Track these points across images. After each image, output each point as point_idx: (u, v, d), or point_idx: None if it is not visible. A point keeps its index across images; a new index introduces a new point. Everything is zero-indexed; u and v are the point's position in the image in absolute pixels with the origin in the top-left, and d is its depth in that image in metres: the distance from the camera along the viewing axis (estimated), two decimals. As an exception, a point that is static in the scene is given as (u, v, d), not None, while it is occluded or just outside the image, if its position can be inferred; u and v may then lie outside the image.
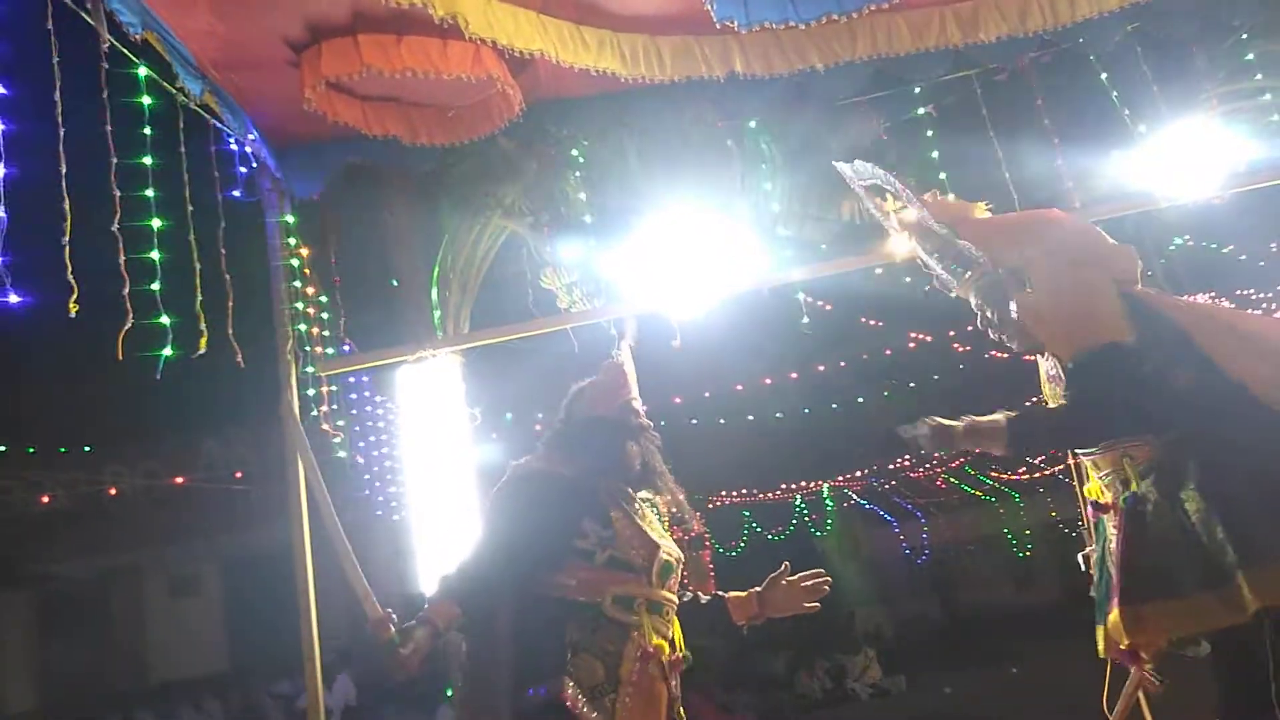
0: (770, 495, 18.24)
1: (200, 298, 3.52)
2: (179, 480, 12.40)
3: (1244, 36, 4.92)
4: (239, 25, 3.56)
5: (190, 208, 3.58)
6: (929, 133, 5.04)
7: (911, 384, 12.13)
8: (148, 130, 3.31)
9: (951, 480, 19.20)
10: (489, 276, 5.65)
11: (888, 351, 10.82)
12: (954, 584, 22.07)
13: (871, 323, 9.74)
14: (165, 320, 3.17)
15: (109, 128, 3.01)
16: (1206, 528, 2.47)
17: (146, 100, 3.32)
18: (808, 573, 3.16)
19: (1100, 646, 2.82)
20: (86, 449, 13.47)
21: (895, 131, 5.03)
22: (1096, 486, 2.89)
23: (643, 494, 3.08)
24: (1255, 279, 9.93)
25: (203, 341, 3.43)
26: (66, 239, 2.69)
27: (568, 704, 2.64)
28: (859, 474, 18.38)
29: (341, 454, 4.78)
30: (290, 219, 4.52)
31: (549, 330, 4.74)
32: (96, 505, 13.44)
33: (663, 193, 4.73)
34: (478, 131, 4.25)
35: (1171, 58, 4.75)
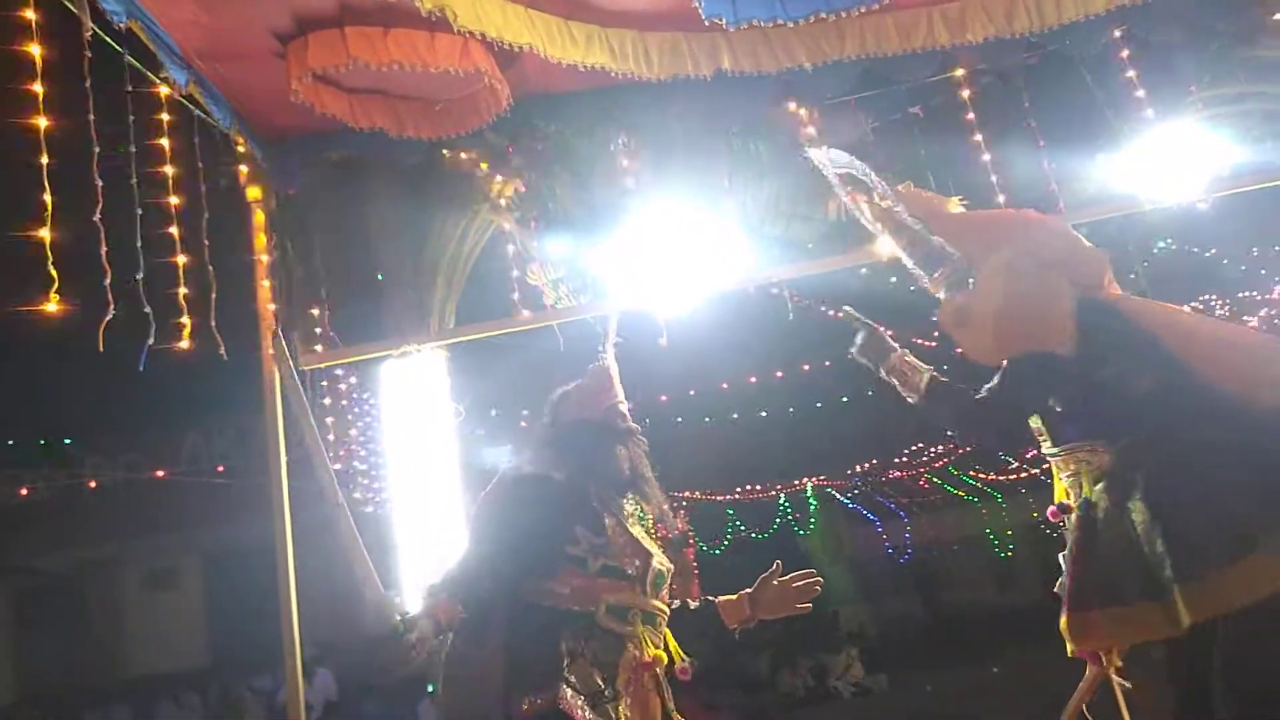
0: (754, 494, 18.27)
1: (183, 290, 3.50)
2: (159, 473, 12.32)
3: (1228, 41, 4.94)
4: (224, 16, 3.54)
5: (174, 199, 3.55)
6: (916, 133, 5.04)
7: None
8: (131, 120, 3.29)
9: (934, 480, 19.28)
10: (475, 271, 5.62)
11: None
12: (936, 583, 22.16)
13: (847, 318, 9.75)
14: (148, 311, 3.15)
15: (91, 117, 2.98)
16: (1149, 539, 2.47)
17: (130, 90, 3.30)
18: (798, 573, 3.13)
19: (1069, 646, 2.84)
20: (66, 441, 13.38)
21: (882, 131, 5.03)
22: (1062, 488, 2.89)
23: (631, 499, 3.05)
24: (1238, 282, 10.00)
25: (185, 333, 3.41)
26: (47, 230, 2.67)
27: (566, 710, 2.60)
28: (843, 473, 18.43)
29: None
30: (275, 211, 4.49)
31: (535, 326, 4.73)
32: (76, 497, 13.35)
33: (650, 190, 4.72)
34: (465, 126, 4.24)
35: (1156, 61, 4.77)
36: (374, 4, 3.32)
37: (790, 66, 4.29)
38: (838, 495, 20.29)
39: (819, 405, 13.14)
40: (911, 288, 3.28)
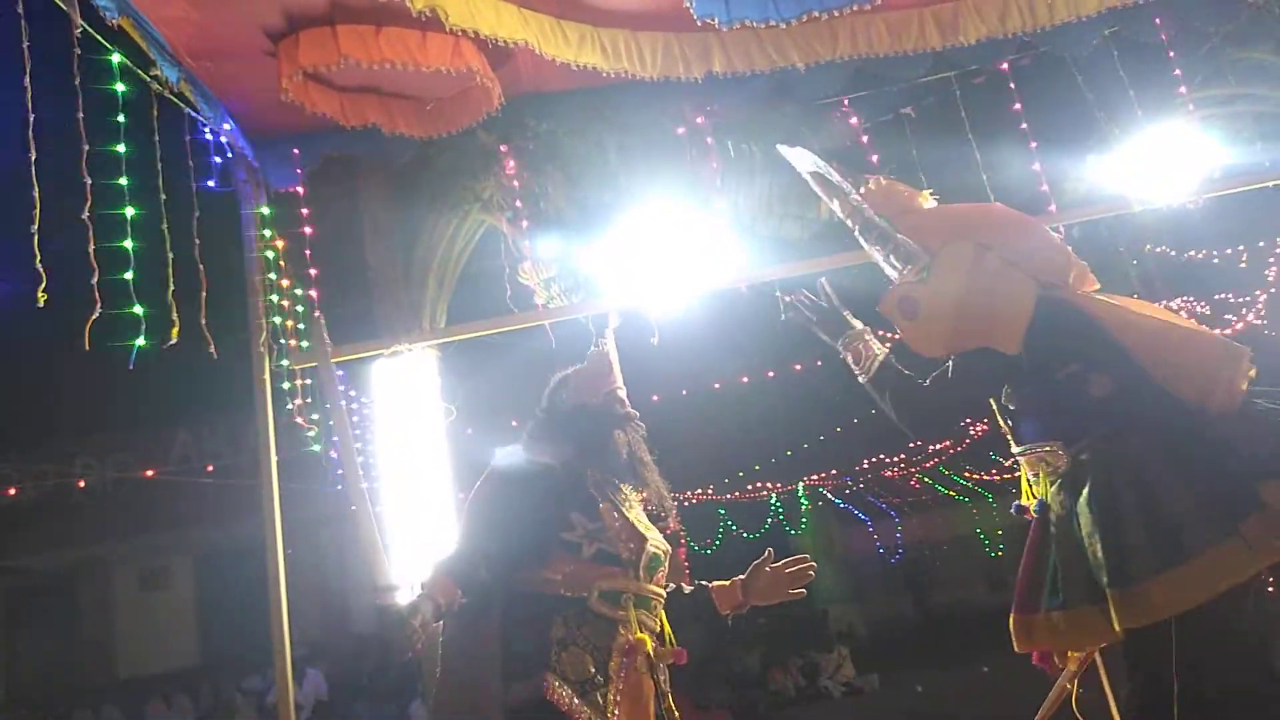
0: (745, 493, 18.28)
1: (173, 288, 3.48)
2: (150, 472, 12.27)
3: (1218, 43, 4.97)
4: (215, 13, 3.53)
5: (164, 197, 3.54)
6: (908, 133, 5.05)
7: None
8: (121, 118, 3.27)
9: (926, 480, 19.32)
10: (466, 271, 5.62)
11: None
12: (927, 583, 22.21)
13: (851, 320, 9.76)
14: (138, 310, 3.13)
15: (81, 115, 2.96)
16: (1091, 543, 2.48)
17: (120, 87, 3.28)
18: (791, 559, 3.13)
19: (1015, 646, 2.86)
20: (56, 440, 13.33)
21: (874, 132, 5.04)
22: (1027, 489, 2.90)
23: (630, 485, 3.04)
24: (1228, 283, 10.03)
25: (174, 332, 3.39)
26: (36, 227, 2.65)
27: (553, 700, 2.60)
28: (834, 472, 18.46)
29: (315, 447, 4.73)
30: (266, 210, 4.48)
31: (526, 326, 4.72)
32: (66, 497, 13.29)
33: (642, 189, 4.72)
34: (456, 124, 4.23)
35: (1148, 62, 4.78)
36: (365, 2, 3.31)
37: (783, 66, 4.29)
38: (829, 495, 20.32)
39: (811, 405, 13.15)
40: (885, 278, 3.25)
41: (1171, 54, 4.74)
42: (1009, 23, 4.32)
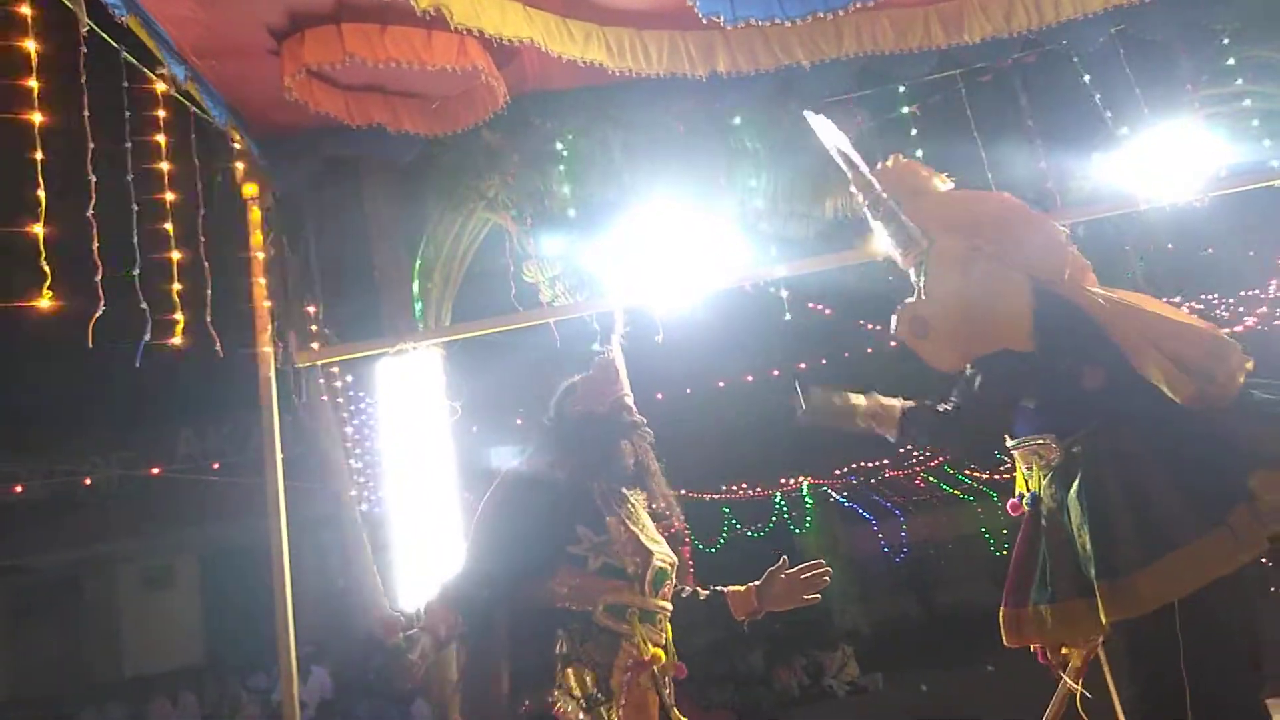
0: (750, 492, 18.26)
1: (178, 286, 3.49)
2: (155, 471, 12.28)
3: (1225, 41, 4.95)
4: (221, 12, 3.53)
5: (169, 195, 3.54)
6: (913, 131, 5.04)
7: (892, 383, 12.18)
8: (127, 116, 3.27)
9: (930, 479, 19.28)
10: (471, 269, 5.62)
11: (869, 350, 10.85)
12: (932, 582, 22.17)
13: (859, 321, 9.78)
14: (144, 308, 3.14)
15: (87, 113, 2.97)
16: (1080, 536, 2.49)
17: (126, 85, 3.28)
18: (805, 565, 3.12)
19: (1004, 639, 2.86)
20: (62, 439, 13.35)
21: (879, 130, 5.03)
22: (1021, 482, 2.90)
23: (637, 494, 3.03)
24: (1233, 282, 10.00)
25: (179, 330, 3.39)
26: (41, 226, 2.65)
27: (558, 716, 2.61)
28: (838, 471, 18.43)
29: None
30: (271, 208, 4.48)
31: (531, 324, 4.72)
32: (72, 496, 13.32)
33: (647, 187, 4.71)
34: (461, 123, 4.23)
35: (1154, 60, 4.77)
36: (371, 1, 3.31)
37: (788, 64, 4.28)
38: (833, 494, 20.29)
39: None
40: (890, 277, 3.23)
41: (1177, 52, 4.73)
42: (1014, 21, 4.31)
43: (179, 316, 3.45)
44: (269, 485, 4.04)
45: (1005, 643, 2.76)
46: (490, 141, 4.73)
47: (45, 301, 2.74)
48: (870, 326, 10.29)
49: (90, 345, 2.88)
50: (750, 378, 11.15)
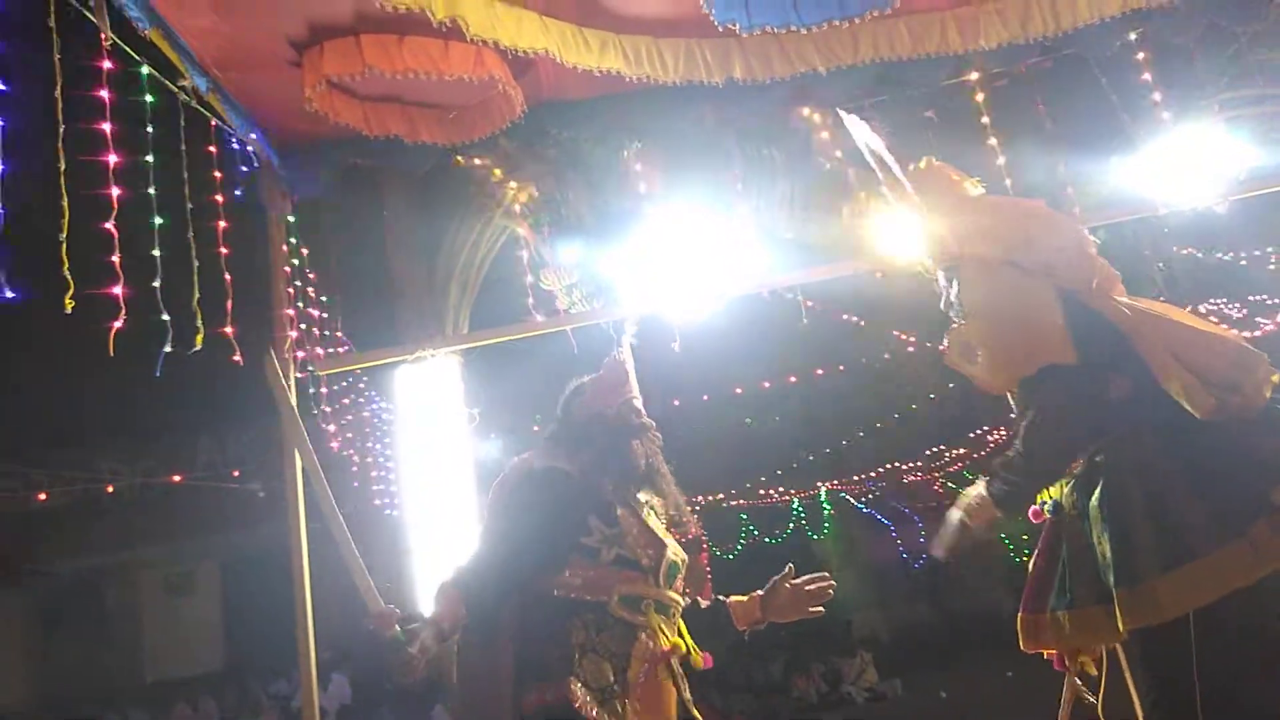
0: (768, 498, 18.22)
1: (198, 295, 3.52)
2: (176, 478, 12.37)
3: (1246, 43, 4.92)
4: (241, 24, 3.56)
5: (190, 205, 3.57)
6: (930, 137, 5.03)
7: (910, 388, 12.15)
8: (149, 128, 3.31)
9: (949, 485, 19.19)
10: (488, 277, 5.65)
11: (886, 356, 10.83)
12: (950, 588, 22.04)
13: (864, 324, 9.75)
14: (165, 317, 3.17)
15: (109, 125, 3.00)
16: (1100, 544, 2.49)
17: (148, 98, 3.32)
18: (811, 576, 3.10)
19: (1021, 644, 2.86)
20: (83, 446, 13.46)
21: (896, 136, 5.01)
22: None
23: (647, 494, 3.04)
24: (1256, 287, 9.92)
25: (199, 338, 3.42)
26: (64, 235, 2.68)
27: (576, 705, 2.58)
28: (856, 477, 18.37)
29: (340, 450, 4.77)
30: (290, 218, 4.52)
31: (548, 331, 4.74)
32: (93, 503, 13.42)
33: (663, 195, 4.72)
34: (479, 132, 4.24)
35: (1173, 64, 4.74)
36: (388, 12, 3.33)
37: (804, 71, 4.28)
38: (851, 500, 20.22)
39: (833, 410, 13.11)
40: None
41: (1196, 55, 4.70)
42: (1031, 25, 4.29)
43: (199, 326, 3.48)
44: (289, 492, 4.07)
45: (1022, 647, 2.76)
46: (507, 150, 4.75)
47: (68, 309, 2.77)
48: (901, 336, 10.25)
49: (110, 354, 2.91)
50: (767, 384, 11.13)
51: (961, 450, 16.05)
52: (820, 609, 3.09)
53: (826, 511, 20.10)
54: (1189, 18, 4.52)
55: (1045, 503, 2.83)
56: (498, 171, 4.90)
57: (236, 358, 3.76)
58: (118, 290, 2.94)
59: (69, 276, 2.73)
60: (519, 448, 3.17)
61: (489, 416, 4.80)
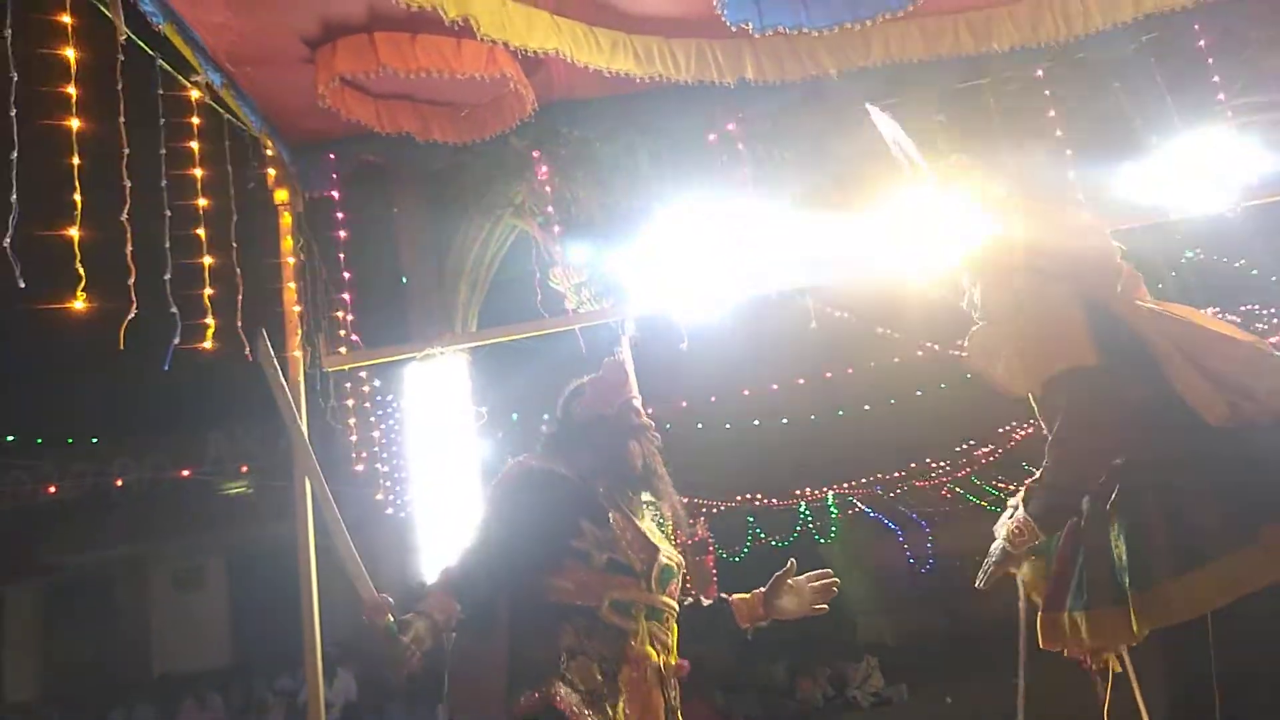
0: (775, 501, 18.20)
1: (209, 291, 3.53)
2: (185, 473, 12.41)
3: (1259, 49, 4.90)
4: (255, 20, 3.57)
5: (201, 201, 3.59)
6: (940, 141, 5.02)
7: (919, 392, 12.11)
8: (162, 123, 3.32)
9: (957, 490, 19.14)
10: (498, 276, 5.66)
11: (895, 359, 10.80)
12: (958, 594, 21.96)
13: (881, 330, 9.74)
14: (174, 312, 3.18)
15: (122, 119, 3.02)
16: (1118, 547, 2.51)
17: (161, 92, 3.34)
18: (814, 573, 3.09)
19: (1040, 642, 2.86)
20: (93, 440, 13.52)
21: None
22: None
23: (644, 496, 3.03)
24: (1267, 293, 9.88)
25: (209, 334, 3.44)
26: (76, 229, 2.70)
27: (561, 708, 2.58)
28: (864, 481, 18.34)
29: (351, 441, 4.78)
30: (301, 214, 4.53)
31: (557, 330, 4.74)
32: (102, 497, 13.48)
33: (673, 195, 4.72)
34: (490, 130, 4.26)
35: (1185, 69, 4.72)
36: (401, 11, 3.34)
37: (815, 73, 4.28)
38: (859, 504, 20.18)
39: (841, 413, 13.08)
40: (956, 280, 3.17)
41: (1210, 60, 4.68)
42: (1043, 30, 4.28)
43: (210, 321, 3.49)
44: (297, 488, 4.08)
45: (1041, 645, 2.78)
46: (518, 149, 4.76)
47: (79, 304, 2.79)
48: (932, 346, 10.23)
49: (122, 348, 2.92)
50: (776, 386, 11.11)
51: (972, 454, 16.01)
52: (824, 607, 3.07)
53: (833, 515, 20.07)
54: (1201, 24, 4.51)
55: None
56: (509, 169, 4.91)
57: (247, 353, 3.78)
58: (129, 283, 2.95)
59: (81, 270, 2.74)
60: (525, 447, 3.16)
61: (496, 415, 4.80)
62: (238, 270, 3.78)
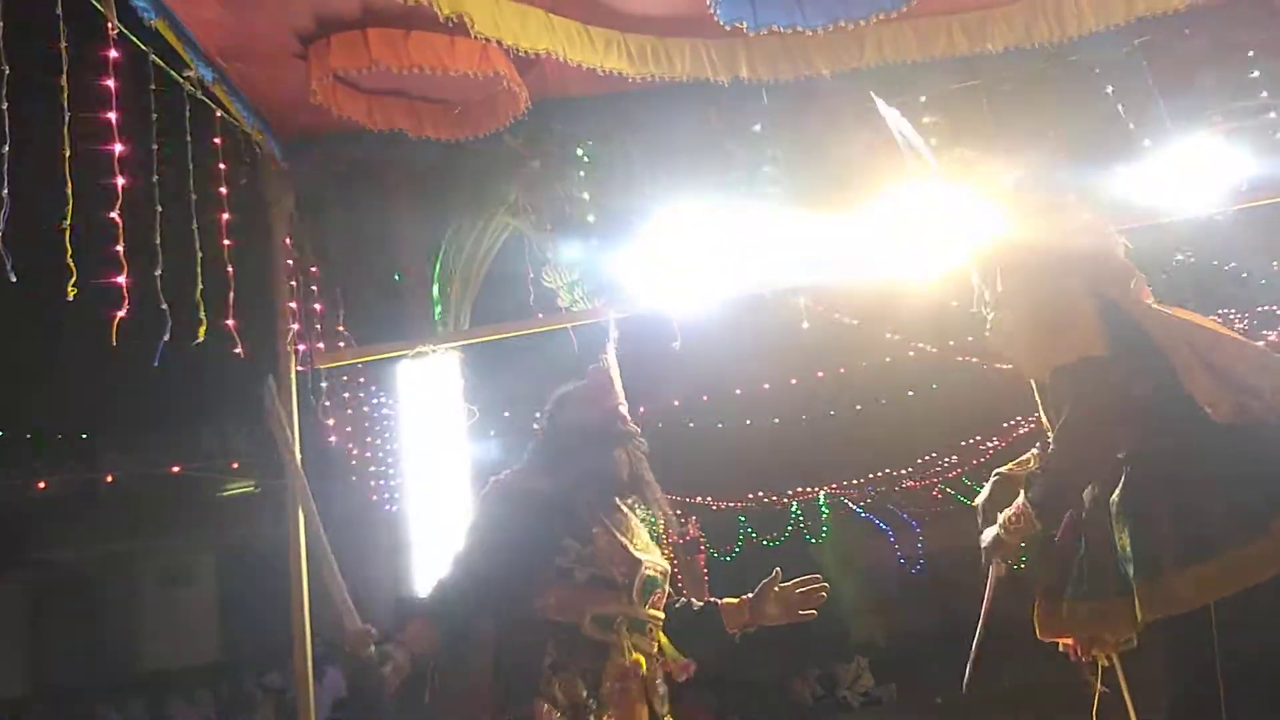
0: (766, 501, 18.22)
1: (201, 287, 3.52)
2: (175, 470, 12.38)
3: (1250, 54, 4.91)
4: (247, 16, 3.56)
5: (194, 197, 3.58)
6: (933, 142, 5.01)
7: (910, 392, 12.13)
8: (153, 118, 3.31)
9: (948, 490, 19.18)
10: (490, 274, 5.64)
11: (887, 359, 10.81)
12: (948, 594, 22.01)
13: (874, 330, 9.74)
14: (164, 308, 3.17)
15: (114, 114, 3.01)
16: (1121, 538, 2.53)
17: (152, 87, 3.33)
18: (802, 579, 3.09)
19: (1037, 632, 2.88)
20: (83, 436, 13.48)
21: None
22: None
23: (631, 503, 3.03)
24: (1257, 296, 9.92)
25: (201, 330, 3.43)
26: (67, 223, 2.69)
27: None
28: (855, 481, 18.37)
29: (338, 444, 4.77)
30: (293, 211, 4.52)
31: (549, 328, 4.74)
32: (92, 493, 13.44)
33: (667, 194, 4.72)
34: (483, 128, 4.25)
35: (1178, 72, 4.74)
36: (395, 7, 3.34)
37: (809, 74, 4.28)
38: (850, 504, 20.21)
39: (832, 413, 13.10)
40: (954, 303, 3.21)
41: (1201, 64, 4.70)
42: (1037, 32, 4.29)
43: (201, 317, 3.48)
44: (287, 484, 4.07)
45: (1039, 635, 2.80)
46: (511, 147, 4.75)
47: (69, 298, 2.78)
48: (924, 347, 10.24)
49: (114, 343, 2.91)
50: (768, 386, 11.12)
51: (964, 454, 16.04)
52: (812, 612, 3.07)
53: (825, 515, 20.09)
54: (1194, 28, 4.52)
55: None
56: (502, 167, 4.90)
57: (238, 350, 3.77)
58: (121, 280, 2.94)
59: (72, 265, 2.73)
60: (517, 446, 3.16)
61: (488, 413, 4.80)
62: (229, 267, 3.77)
